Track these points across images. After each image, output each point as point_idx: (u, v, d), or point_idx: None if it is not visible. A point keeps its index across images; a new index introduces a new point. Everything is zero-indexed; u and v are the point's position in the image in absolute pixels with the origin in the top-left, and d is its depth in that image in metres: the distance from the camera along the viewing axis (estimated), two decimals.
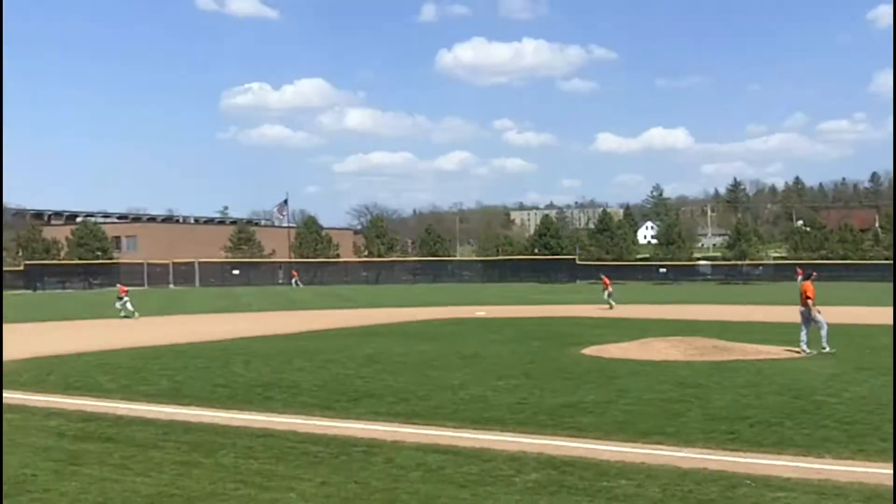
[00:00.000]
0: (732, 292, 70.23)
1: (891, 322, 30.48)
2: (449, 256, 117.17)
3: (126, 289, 44.91)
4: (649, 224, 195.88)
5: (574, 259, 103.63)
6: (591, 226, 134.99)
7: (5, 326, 33.96)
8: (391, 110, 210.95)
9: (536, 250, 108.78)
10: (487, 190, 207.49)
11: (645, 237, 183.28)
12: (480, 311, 42.26)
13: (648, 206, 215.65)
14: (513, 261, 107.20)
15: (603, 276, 49.17)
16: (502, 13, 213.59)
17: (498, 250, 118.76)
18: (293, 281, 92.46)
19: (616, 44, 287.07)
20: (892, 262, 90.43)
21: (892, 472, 9.01)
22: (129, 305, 42.55)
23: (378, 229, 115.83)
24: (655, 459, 9.90)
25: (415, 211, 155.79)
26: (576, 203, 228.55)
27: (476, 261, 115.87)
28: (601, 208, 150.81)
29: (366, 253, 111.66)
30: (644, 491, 8.48)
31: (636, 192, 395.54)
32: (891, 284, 69.56)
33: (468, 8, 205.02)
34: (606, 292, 45.71)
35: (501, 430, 12.09)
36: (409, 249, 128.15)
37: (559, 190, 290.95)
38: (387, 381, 17.64)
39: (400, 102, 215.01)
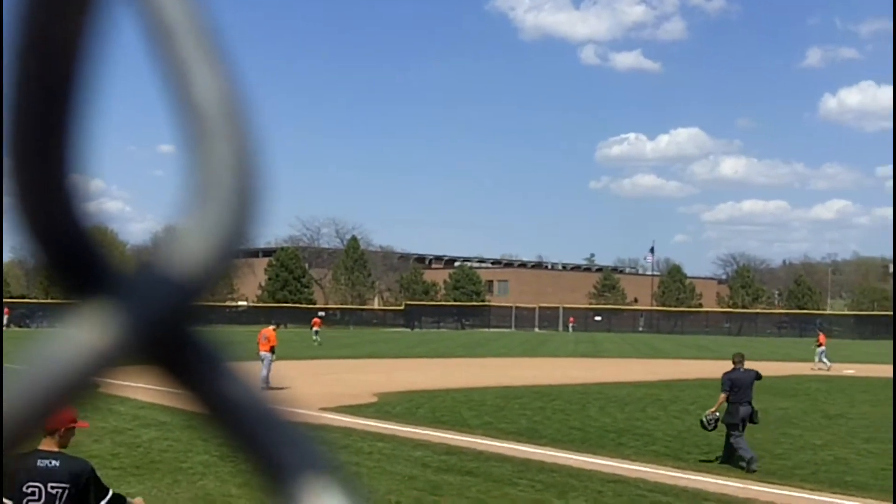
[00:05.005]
0: None
1: None
2: (819, 310, 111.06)
3: (320, 322, 52.55)
4: None
5: None
6: None
7: (385, 362, 37.02)
8: (767, 158, 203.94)
9: None
10: (867, 240, 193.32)
11: None
12: (849, 369, 39.77)
13: None
14: (889, 317, 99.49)
15: (819, 333, 44.34)
16: None
17: (874, 305, 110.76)
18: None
19: None
20: None
21: None
22: (316, 337, 48.79)
23: (744, 279, 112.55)
24: None
25: (784, 261, 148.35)
26: None
27: (848, 315, 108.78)
28: None
29: (729, 303, 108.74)
30: None
31: None
32: None
33: (856, 51, 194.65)
34: (820, 350, 40.51)
35: (863, 496, 11.57)
36: (775, 301, 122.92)
37: None
38: None
39: (777, 150, 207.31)
